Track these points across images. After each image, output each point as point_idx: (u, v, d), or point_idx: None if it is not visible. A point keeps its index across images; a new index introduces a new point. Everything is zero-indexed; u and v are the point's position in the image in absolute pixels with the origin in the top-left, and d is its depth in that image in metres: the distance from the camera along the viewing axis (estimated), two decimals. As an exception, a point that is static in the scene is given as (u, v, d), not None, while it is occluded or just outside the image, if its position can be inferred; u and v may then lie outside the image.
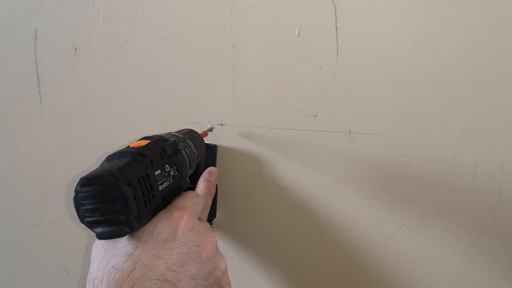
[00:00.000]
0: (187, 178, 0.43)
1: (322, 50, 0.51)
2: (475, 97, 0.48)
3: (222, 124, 0.56)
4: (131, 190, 0.32)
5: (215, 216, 0.57)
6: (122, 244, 0.34)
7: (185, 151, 0.42)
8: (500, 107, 0.48)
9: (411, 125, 0.51)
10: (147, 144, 0.38)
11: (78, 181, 0.32)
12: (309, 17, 0.50)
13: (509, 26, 0.46)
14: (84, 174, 0.32)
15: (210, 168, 0.52)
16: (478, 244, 0.53)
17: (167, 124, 0.58)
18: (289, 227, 0.58)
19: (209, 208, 0.50)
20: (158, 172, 0.36)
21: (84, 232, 0.65)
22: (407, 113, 0.51)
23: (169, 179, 0.38)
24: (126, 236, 0.34)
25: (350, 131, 0.53)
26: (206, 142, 0.56)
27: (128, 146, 0.38)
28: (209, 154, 0.55)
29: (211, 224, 0.56)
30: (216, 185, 0.54)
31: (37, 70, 0.60)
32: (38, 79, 0.60)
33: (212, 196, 0.51)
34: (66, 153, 0.63)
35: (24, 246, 0.68)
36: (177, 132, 0.48)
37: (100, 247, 0.35)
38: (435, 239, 0.54)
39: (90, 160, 0.61)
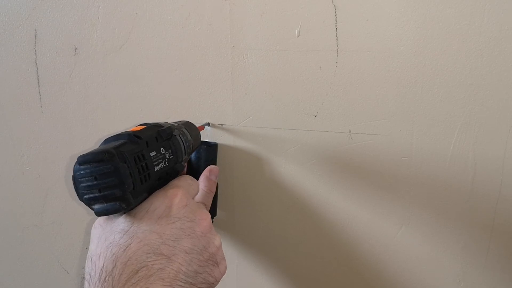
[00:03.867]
0: (183, 163, 0.44)
1: (322, 50, 0.51)
2: (475, 97, 0.48)
3: (222, 124, 0.56)
4: (127, 166, 0.33)
5: (215, 215, 0.57)
6: (119, 222, 0.35)
7: (180, 137, 0.44)
8: (500, 107, 0.48)
9: (411, 125, 0.51)
10: (143, 128, 0.40)
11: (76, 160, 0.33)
12: (309, 17, 0.50)
13: (509, 26, 0.46)
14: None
15: (211, 167, 0.53)
16: (478, 244, 0.53)
17: (167, 124, 0.58)
18: (289, 227, 0.58)
19: (209, 207, 0.50)
20: (153, 153, 0.38)
21: (84, 232, 0.65)
22: (407, 113, 0.51)
23: (165, 161, 0.39)
24: (122, 215, 0.35)
25: (350, 131, 0.53)
26: (206, 140, 0.56)
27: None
28: (209, 153, 0.55)
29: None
30: (217, 183, 0.54)
31: (37, 70, 0.60)
32: (38, 79, 0.60)
33: (213, 195, 0.51)
34: (66, 153, 0.63)
35: (24, 246, 0.68)
36: (174, 122, 0.48)
37: (98, 226, 0.36)
38: (435, 239, 0.54)
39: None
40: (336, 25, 0.50)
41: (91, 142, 0.61)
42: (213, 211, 0.56)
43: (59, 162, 0.63)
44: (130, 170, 0.34)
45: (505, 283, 0.53)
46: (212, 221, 0.56)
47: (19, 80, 0.61)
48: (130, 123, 0.59)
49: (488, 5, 0.46)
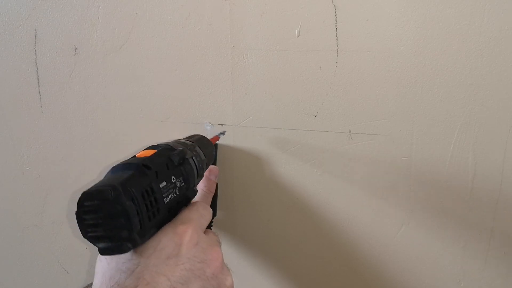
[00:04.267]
0: (195, 188, 0.41)
1: (322, 50, 0.51)
2: (475, 97, 0.48)
3: (222, 124, 0.56)
4: (134, 205, 0.31)
5: (215, 215, 0.57)
6: (125, 259, 0.33)
7: (193, 159, 0.41)
8: (500, 107, 0.48)
9: (411, 125, 0.51)
10: (153, 154, 0.37)
11: (80, 195, 0.31)
12: (309, 17, 0.50)
13: (509, 26, 0.46)
14: (86, 188, 0.32)
15: (210, 167, 0.52)
16: (478, 244, 0.53)
17: (167, 124, 0.58)
18: (289, 227, 0.58)
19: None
20: (163, 184, 0.35)
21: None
22: (407, 113, 0.51)
23: (175, 191, 0.37)
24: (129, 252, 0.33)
25: (350, 131, 0.53)
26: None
27: (134, 156, 0.37)
28: None
29: (211, 223, 0.56)
30: (217, 183, 0.54)
31: (37, 70, 0.60)
32: (38, 79, 0.60)
33: (212, 195, 0.51)
34: (66, 153, 0.63)
35: (24, 246, 0.68)
36: (186, 139, 0.46)
37: (103, 260, 0.34)
38: (435, 239, 0.54)
39: (90, 160, 0.61)
40: (336, 25, 0.50)
41: (91, 142, 0.61)
42: (213, 212, 0.56)
43: (59, 162, 0.63)
44: (138, 208, 0.31)
45: (505, 283, 0.53)
46: (212, 221, 0.56)
47: (19, 80, 0.61)
48: (130, 123, 0.59)
49: (488, 5, 0.46)
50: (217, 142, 0.56)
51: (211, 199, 0.51)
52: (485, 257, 0.53)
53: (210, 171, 0.52)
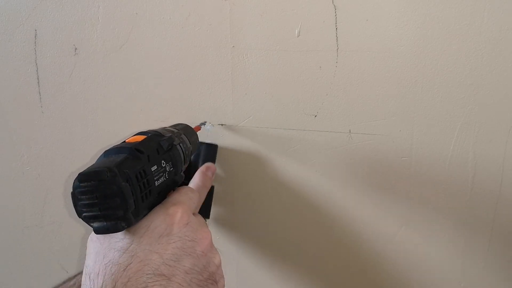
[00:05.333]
0: (182, 173, 0.43)
1: (322, 50, 0.51)
2: (475, 97, 0.48)
3: (222, 124, 0.56)
4: (129, 186, 0.32)
5: (208, 217, 0.56)
6: (118, 239, 0.34)
7: (180, 146, 0.43)
8: (500, 107, 0.48)
9: (411, 125, 0.51)
10: (144, 139, 0.38)
11: (76, 176, 0.32)
12: (309, 17, 0.50)
13: (509, 26, 0.46)
14: (82, 169, 0.32)
15: (208, 164, 0.52)
16: (478, 244, 0.53)
17: (167, 124, 0.58)
18: (289, 227, 0.58)
19: (202, 202, 0.49)
20: (154, 167, 0.37)
21: (84, 232, 0.65)
22: (407, 113, 0.51)
23: (165, 175, 0.38)
24: (122, 231, 0.34)
25: (350, 131, 0.53)
26: (207, 141, 0.56)
27: (124, 141, 0.38)
28: (209, 153, 0.55)
29: None
30: (213, 186, 0.53)
31: (37, 70, 0.60)
32: (38, 79, 0.60)
33: (207, 190, 0.50)
34: (66, 153, 0.63)
35: (24, 246, 0.68)
36: (172, 127, 0.47)
37: (95, 240, 0.35)
38: (435, 239, 0.54)
39: (90, 160, 0.61)
40: (336, 25, 0.50)
41: (91, 143, 0.61)
42: (206, 214, 0.55)
43: (59, 162, 0.63)
44: (132, 189, 0.33)
45: (505, 283, 0.53)
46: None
47: (19, 80, 0.61)
48: (130, 123, 0.59)
49: (488, 5, 0.46)
50: (218, 142, 0.56)
51: (205, 195, 0.50)
52: (485, 257, 0.53)
53: (208, 168, 0.51)
